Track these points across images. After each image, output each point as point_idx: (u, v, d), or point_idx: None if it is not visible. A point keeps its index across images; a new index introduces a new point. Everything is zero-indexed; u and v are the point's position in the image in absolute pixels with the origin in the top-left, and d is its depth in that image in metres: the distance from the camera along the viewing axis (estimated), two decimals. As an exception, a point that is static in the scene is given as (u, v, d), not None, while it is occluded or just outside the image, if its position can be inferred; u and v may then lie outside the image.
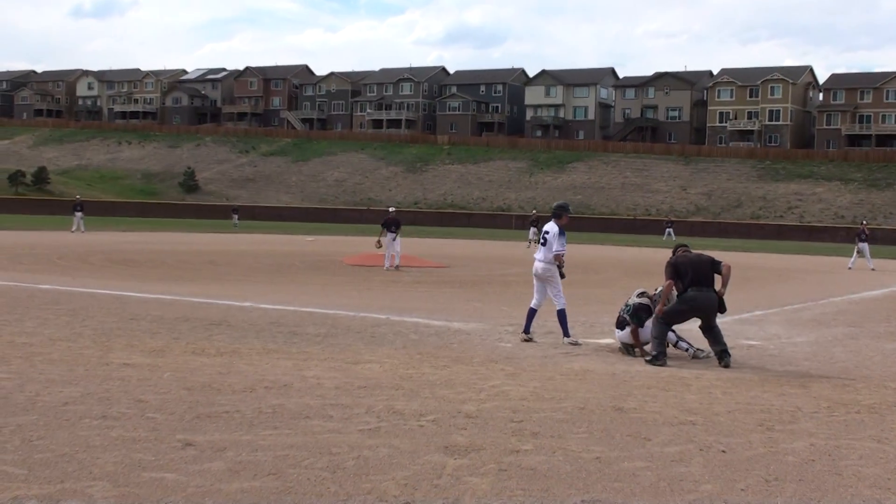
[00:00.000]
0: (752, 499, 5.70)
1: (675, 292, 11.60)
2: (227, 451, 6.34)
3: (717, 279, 11.64)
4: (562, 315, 12.66)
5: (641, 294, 12.26)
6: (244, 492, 5.48)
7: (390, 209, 30.68)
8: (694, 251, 12.14)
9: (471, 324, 14.24)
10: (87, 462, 5.97)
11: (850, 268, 36.81)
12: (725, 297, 11.63)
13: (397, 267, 27.29)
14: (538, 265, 12.83)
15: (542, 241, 12.90)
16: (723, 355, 11.15)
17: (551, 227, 12.82)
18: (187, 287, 19.70)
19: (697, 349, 11.82)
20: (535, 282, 13.01)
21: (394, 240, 27.49)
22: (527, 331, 12.80)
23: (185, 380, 8.84)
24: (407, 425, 7.28)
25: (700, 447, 6.91)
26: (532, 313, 12.85)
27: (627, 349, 11.90)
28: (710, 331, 11.45)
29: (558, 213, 12.94)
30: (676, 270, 11.60)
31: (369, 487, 5.64)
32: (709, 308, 11.43)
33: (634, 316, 11.90)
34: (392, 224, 27.77)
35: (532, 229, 47.67)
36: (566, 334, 12.63)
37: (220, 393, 8.27)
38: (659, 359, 11.10)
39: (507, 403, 8.26)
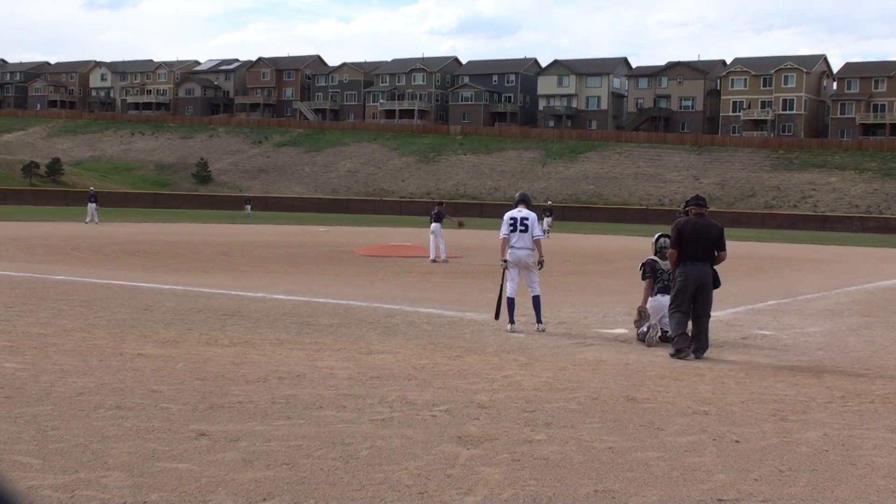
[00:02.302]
0: (765, 489, 5.69)
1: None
2: (241, 441, 6.36)
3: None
4: (538, 301, 12.76)
5: (662, 248, 12.38)
6: (257, 482, 5.49)
7: (438, 203, 31.13)
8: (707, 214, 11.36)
9: (483, 314, 14.22)
10: (101, 452, 5.99)
11: None
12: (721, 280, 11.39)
13: (445, 260, 27.46)
14: (522, 252, 12.83)
15: (521, 227, 12.84)
16: (697, 351, 10.79)
17: (529, 213, 12.95)
18: (200, 278, 19.76)
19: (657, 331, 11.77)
20: (510, 271, 12.92)
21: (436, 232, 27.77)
22: (512, 321, 12.70)
23: (198, 370, 8.87)
24: (420, 416, 7.28)
25: (713, 437, 6.90)
26: (512, 302, 12.80)
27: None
28: (698, 322, 10.97)
29: (528, 200, 13.25)
30: (679, 238, 11.05)
31: (382, 478, 5.65)
32: (703, 282, 10.95)
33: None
34: (433, 215, 28.15)
35: (546, 219, 47.36)
36: (539, 320, 12.69)
37: (234, 383, 8.29)
38: (683, 352, 10.75)
39: (519, 394, 8.26)
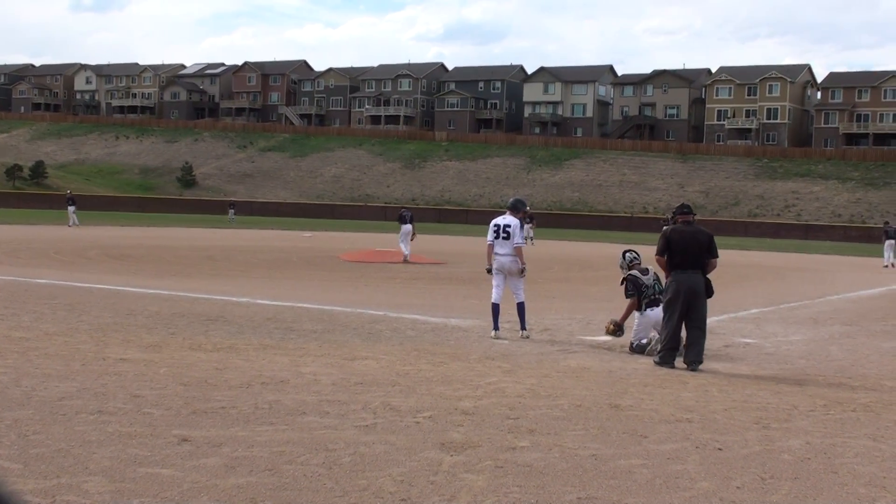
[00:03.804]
0: (747, 497, 5.70)
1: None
2: (224, 446, 6.33)
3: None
4: (522, 308, 12.78)
5: (633, 261, 12.53)
6: (240, 488, 5.47)
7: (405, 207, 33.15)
8: (695, 222, 11.19)
9: (468, 321, 14.23)
10: (82, 457, 5.96)
11: (886, 266, 36.84)
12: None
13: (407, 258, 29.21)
14: (506, 259, 12.81)
15: (504, 234, 12.84)
16: (692, 364, 10.58)
17: (513, 220, 12.91)
18: (184, 282, 19.70)
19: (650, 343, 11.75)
20: (495, 277, 12.95)
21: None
22: (497, 328, 12.71)
23: (181, 375, 8.83)
24: (403, 422, 7.27)
25: (696, 445, 6.91)
26: (496, 309, 12.79)
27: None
28: (691, 333, 10.76)
29: (517, 207, 13.15)
30: (668, 246, 10.92)
31: (365, 484, 5.64)
32: (694, 291, 10.75)
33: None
34: (407, 217, 30.19)
35: (527, 226, 47.40)
36: (523, 327, 12.72)
37: (217, 388, 8.26)
38: (668, 362, 10.71)
39: (503, 400, 8.26)
